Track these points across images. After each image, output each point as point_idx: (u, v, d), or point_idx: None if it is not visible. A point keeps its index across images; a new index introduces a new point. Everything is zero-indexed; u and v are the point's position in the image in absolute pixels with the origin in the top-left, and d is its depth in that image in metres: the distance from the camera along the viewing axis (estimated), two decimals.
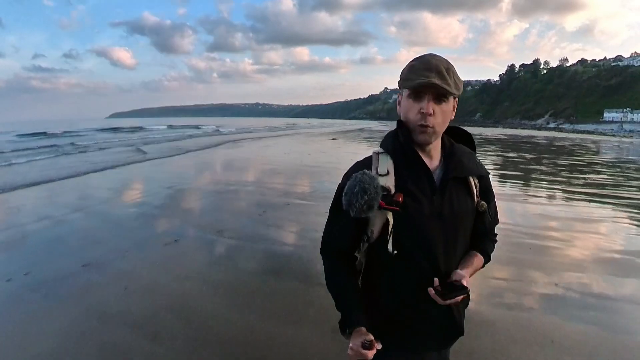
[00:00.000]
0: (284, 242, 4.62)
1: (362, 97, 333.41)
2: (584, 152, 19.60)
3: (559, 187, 8.83)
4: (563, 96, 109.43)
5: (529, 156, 16.11)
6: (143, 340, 2.53)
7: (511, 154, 16.76)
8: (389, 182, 1.01)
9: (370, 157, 1.10)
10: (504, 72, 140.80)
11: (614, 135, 46.76)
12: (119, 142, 23.90)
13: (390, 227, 1.01)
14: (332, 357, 2.31)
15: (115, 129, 38.46)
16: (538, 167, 12.49)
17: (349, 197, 0.97)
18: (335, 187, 1.09)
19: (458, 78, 1.00)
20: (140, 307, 2.99)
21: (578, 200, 7.43)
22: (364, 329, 0.98)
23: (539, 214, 6.05)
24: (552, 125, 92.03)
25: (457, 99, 1.05)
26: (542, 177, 10.35)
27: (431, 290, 0.99)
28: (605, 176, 10.74)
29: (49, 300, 3.14)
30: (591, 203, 7.15)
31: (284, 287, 3.32)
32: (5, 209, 6.44)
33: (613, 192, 8.18)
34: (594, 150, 21.45)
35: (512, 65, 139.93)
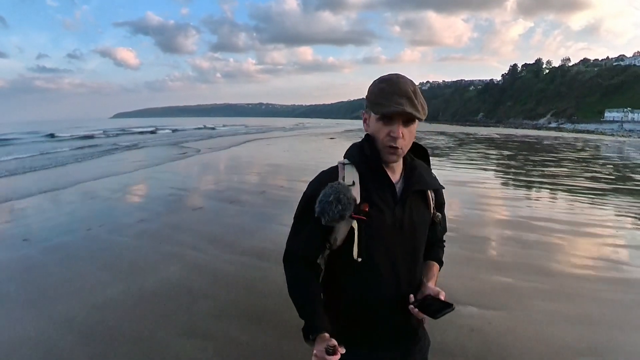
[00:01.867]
0: (276, 208, 6.44)
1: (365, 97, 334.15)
2: (565, 149, 21.03)
3: (515, 177, 10.50)
4: (565, 96, 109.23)
5: (507, 153, 17.77)
6: (191, 250, 4.32)
7: (492, 152, 18.40)
8: (355, 192, 1.06)
9: (336, 166, 1.15)
10: (506, 72, 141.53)
11: (612, 135, 47.58)
12: (160, 142, 25.46)
13: (356, 235, 1.06)
14: None
15: (147, 131, 38.12)
16: (508, 161, 14.17)
17: (323, 205, 1.03)
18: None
19: (423, 101, 1.06)
20: (184, 238, 4.77)
21: (523, 186, 9.10)
22: (327, 334, 1.02)
23: (478, 194, 7.73)
24: (553, 125, 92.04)
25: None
26: (505, 169, 12.03)
27: (414, 309, 1.04)
28: (565, 169, 12.33)
29: (122, 237, 4.89)
30: (532, 189, 8.82)
31: (275, 228, 5.18)
32: (88, 191, 8.28)
33: (560, 181, 9.81)
34: (578, 148, 22.80)
35: (515, 65, 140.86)
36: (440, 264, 1.30)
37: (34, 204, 7.04)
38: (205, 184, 8.88)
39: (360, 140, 1.16)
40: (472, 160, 14.15)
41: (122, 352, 2.50)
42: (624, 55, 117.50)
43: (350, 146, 1.18)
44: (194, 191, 8.03)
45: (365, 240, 1.07)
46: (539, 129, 74.01)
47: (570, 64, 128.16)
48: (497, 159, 14.91)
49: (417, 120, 1.06)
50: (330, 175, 1.13)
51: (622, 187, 9.13)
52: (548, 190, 8.53)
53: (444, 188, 1.25)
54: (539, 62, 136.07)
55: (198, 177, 10.13)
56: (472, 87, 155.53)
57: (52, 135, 29.94)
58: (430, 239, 1.23)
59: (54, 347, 2.58)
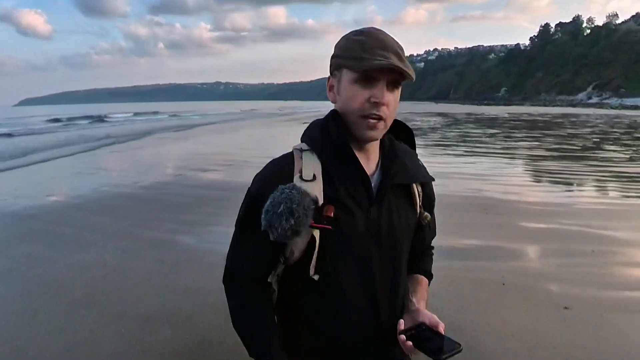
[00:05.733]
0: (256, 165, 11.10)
1: None
2: (569, 128, 24.81)
3: (477, 150, 14.36)
4: (610, 63, 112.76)
5: (492, 131, 22.13)
6: (220, 191, 8.09)
7: (477, 131, 22.79)
8: (316, 189, 1.02)
9: (290, 154, 1.11)
10: (535, 34, 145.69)
11: None
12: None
13: (317, 247, 1.03)
14: None
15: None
16: (484, 138, 18.26)
17: (270, 217, 0.98)
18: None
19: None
20: (223, 181, 9.21)
21: (478, 155, 13.01)
22: None
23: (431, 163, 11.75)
24: (594, 100, 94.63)
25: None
26: (473, 144, 16.07)
27: (406, 342, 0.99)
28: (537, 143, 16.36)
29: (195, 182, 8.90)
30: (481, 157, 12.69)
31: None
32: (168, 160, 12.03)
33: (516, 152, 13.95)
34: (589, 125, 26.40)
35: (547, 25, 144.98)
36: (430, 277, 1.30)
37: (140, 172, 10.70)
38: (228, 150, 14.13)
39: (323, 118, 1.13)
40: (445, 138, 18.18)
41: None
42: None
43: (310, 125, 1.17)
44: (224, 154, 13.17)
45: (330, 252, 1.04)
46: (575, 106, 75.12)
47: (618, 22, 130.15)
48: (475, 136, 19.06)
49: (400, 87, 1.04)
50: (282, 167, 1.09)
51: (576, 155, 13.07)
52: (494, 157, 12.53)
53: (434, 180, 1.22)
54: (577, 20, 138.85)
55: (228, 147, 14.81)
56: (492, 55, 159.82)
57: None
58: (416, 246, 1.23)
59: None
